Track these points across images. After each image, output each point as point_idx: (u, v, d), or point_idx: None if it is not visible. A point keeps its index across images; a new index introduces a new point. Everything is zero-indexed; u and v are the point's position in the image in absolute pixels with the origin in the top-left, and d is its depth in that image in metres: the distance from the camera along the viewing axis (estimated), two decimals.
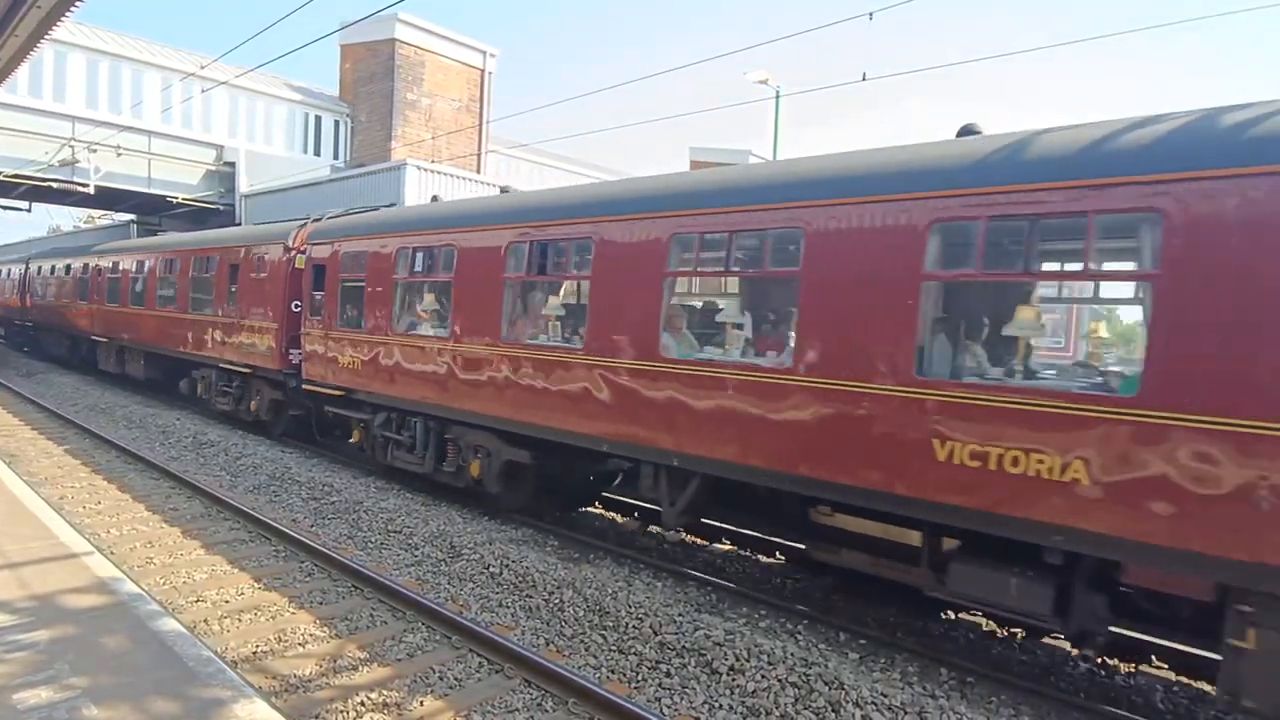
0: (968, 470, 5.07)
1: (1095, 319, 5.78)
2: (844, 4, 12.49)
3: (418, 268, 9.85)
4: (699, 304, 7.86)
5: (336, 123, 28.44)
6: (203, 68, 19.83)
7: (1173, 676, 5.79)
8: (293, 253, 12.74)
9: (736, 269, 7.00)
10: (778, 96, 20.68)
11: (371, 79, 27.18)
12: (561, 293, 8.75)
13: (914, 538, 5.81)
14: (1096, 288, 5.84)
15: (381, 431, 10.56)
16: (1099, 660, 5.59)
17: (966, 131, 6.04)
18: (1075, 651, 5.98)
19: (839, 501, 6.03)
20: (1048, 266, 5.39)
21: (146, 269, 18.18)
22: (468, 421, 9.06)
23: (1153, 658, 5.92)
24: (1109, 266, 5.20)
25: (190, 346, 15.82)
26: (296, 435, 13.59)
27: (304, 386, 12.00)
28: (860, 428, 5.59)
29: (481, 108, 28.48)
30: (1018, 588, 5.13)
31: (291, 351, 12.63)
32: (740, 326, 7.23)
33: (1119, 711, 5.22)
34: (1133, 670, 5.89)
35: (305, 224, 13.01)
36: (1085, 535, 4.69)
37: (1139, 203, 4.56)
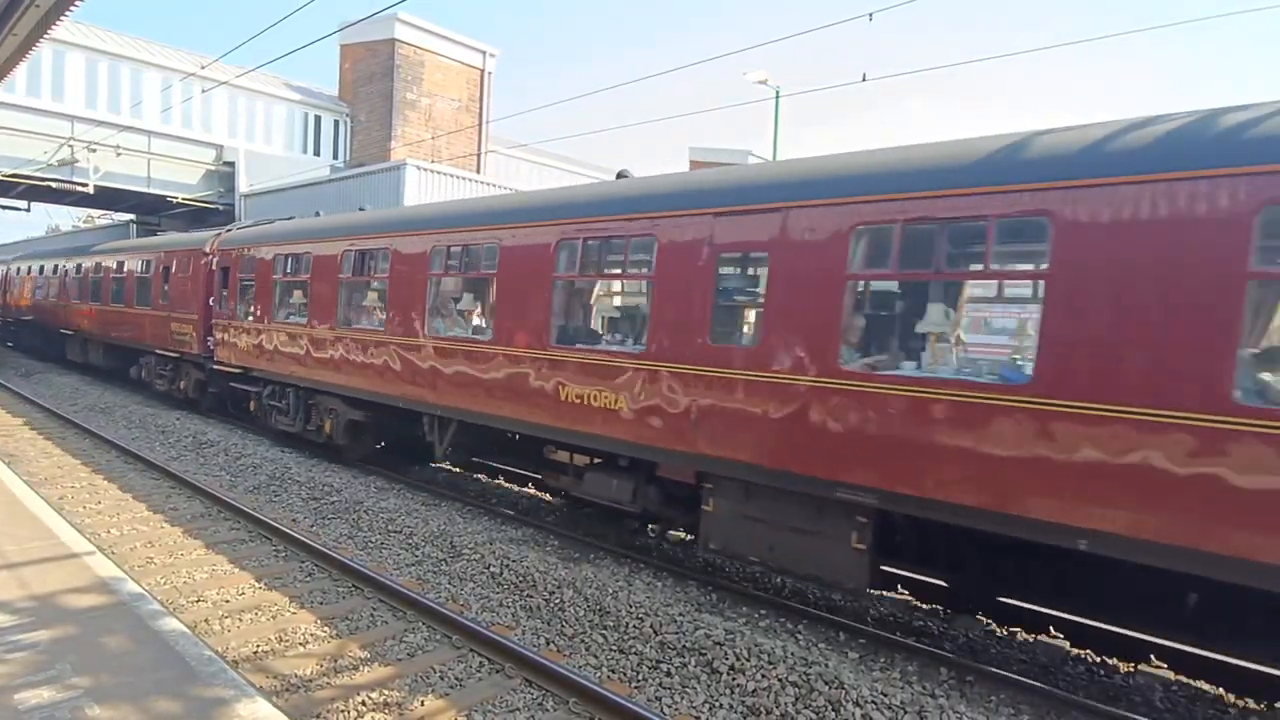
0: (574, 405, 7.70)
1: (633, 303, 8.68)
2: (845, 4, 12.48)
3: (288, 270, 12.53)
4: (457, 295, 10.27)
5: (336, 122, 28.43)
6: (203, 68, 19.82)
7: (1171, 675, 5.80)
8: (210, 257, 14.87)
9: (469, 271, 9.43)
10: (777, 97, 20.70)
11: (371, 79, 27.17)
12: (376, 288, 11.09)
13: (565, 457, 8.57)
14: (626, 285, 8.99)
15: (267, 401, 13.15)
16: (710, 548, 7.06)
17: (621, 175, 8.80)
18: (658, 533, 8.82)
19: (540, 438, 8.48)
20: (610, 270, 8.31)
21: (102, 270, 20.19)
22: (322, 390, 11.66)
23: (1152, 657, 5.94)
24: (637, 271, 7.74)
25: (136, 336, 18.16)
26: (219, 411, 15.72)
27: (215, 367, 14.50)
28: (525, 381, 8.23)
29: (481, 108, 28.47)
30: (615, 486, 7.80)
31: (209, 339, 14.77)
32: (472, 311, 9.91)
33: (1118, 710, 5.23)
34: (1132, 669, 5.90)
35: (219, 234, 15.31)
36: (631, 445, 7.30)
37: (646, 230, 7.26)
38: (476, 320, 9.75)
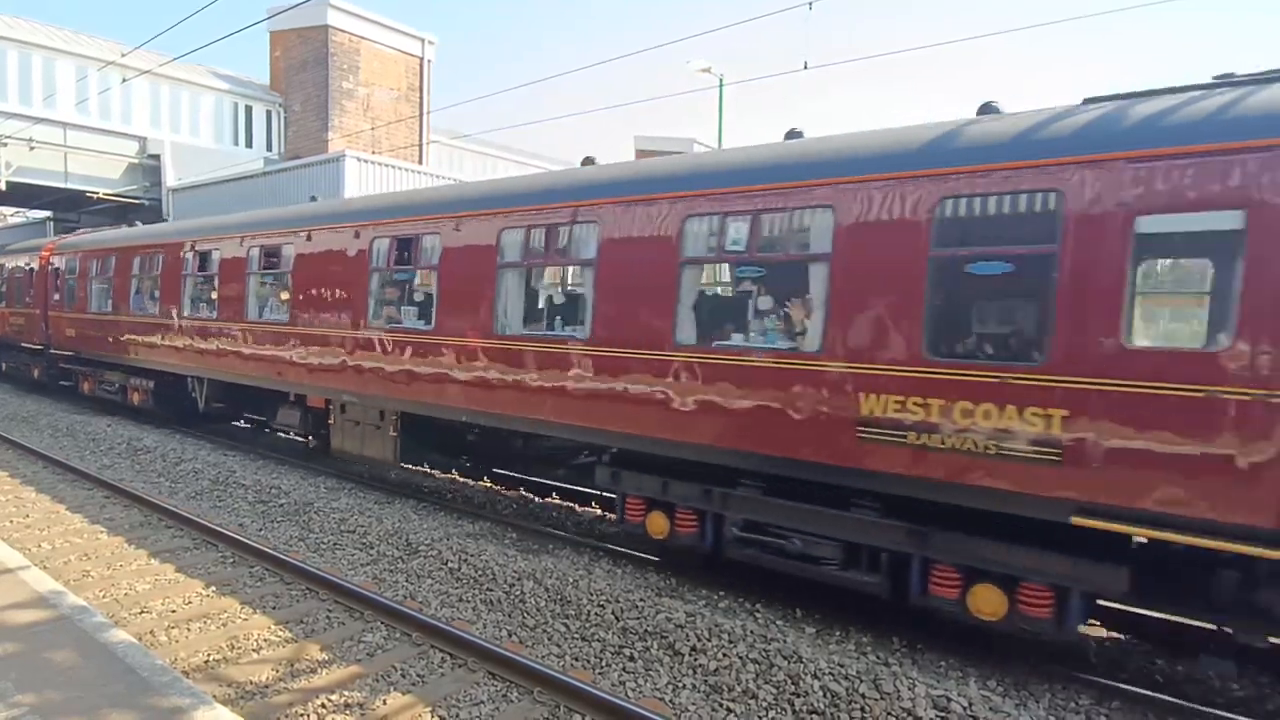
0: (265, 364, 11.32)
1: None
2: None
3: None
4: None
5: (269, 113, 27.47)
6: (122, 56, 18.87)
7: (1104, 634, 6.15)
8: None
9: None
10: (721, 85, 20.85)
11: (304, 67, 26.31)
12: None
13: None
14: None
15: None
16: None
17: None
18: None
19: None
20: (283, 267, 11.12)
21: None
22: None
23: (1096, 622, 6.26)
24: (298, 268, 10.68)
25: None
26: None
27: None
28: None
29: (421, 97, 27.89)
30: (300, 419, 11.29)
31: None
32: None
33: (1055, 667, 5.52)
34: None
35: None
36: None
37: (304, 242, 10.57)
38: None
